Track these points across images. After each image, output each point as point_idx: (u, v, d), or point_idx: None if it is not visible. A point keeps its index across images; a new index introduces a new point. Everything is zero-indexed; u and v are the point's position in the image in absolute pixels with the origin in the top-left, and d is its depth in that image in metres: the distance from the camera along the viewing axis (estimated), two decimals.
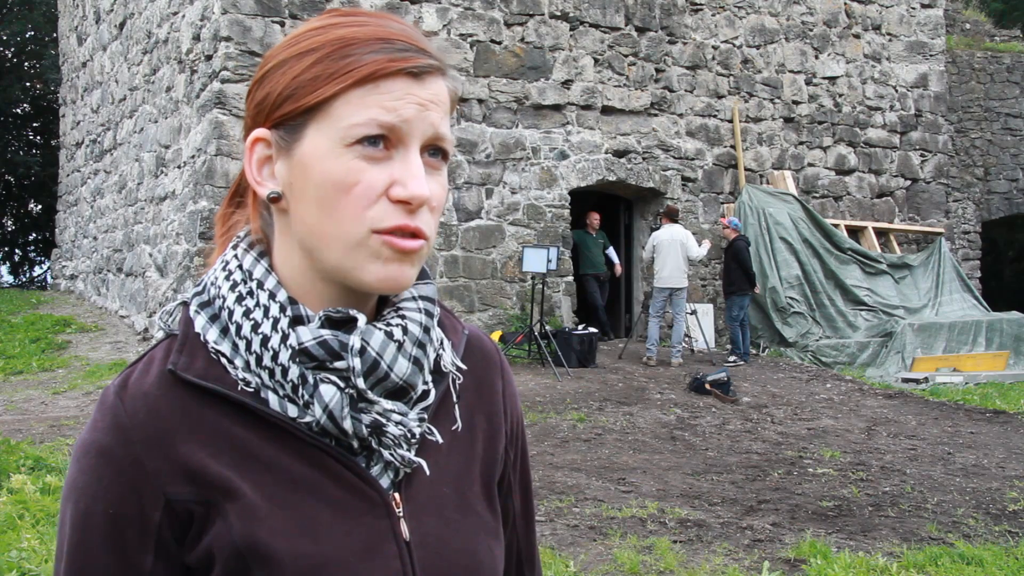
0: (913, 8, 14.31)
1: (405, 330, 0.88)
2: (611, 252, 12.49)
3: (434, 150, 0.87)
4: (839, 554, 4.71)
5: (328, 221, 0.84)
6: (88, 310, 13.99)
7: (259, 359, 0.86)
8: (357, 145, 0.83)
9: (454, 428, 0.95)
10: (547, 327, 10.45)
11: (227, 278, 0.90)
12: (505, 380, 1.04)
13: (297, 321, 0.86)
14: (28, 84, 23.52)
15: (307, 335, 0.85)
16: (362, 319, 0.87)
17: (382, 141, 0.83)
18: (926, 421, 8.90)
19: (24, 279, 26.04)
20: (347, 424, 0.85)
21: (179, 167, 10.95)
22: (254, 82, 0.89)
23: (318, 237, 0.85)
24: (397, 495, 0.89)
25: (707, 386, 9.48)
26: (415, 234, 0.84)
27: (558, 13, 11.69)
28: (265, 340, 0.86)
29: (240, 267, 0.90)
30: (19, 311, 14.03)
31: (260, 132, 0.88)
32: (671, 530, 5.23)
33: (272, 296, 0.87)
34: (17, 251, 26.46)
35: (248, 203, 0.94)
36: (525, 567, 1.08)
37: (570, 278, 11.84)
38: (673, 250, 10.79)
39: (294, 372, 0.85)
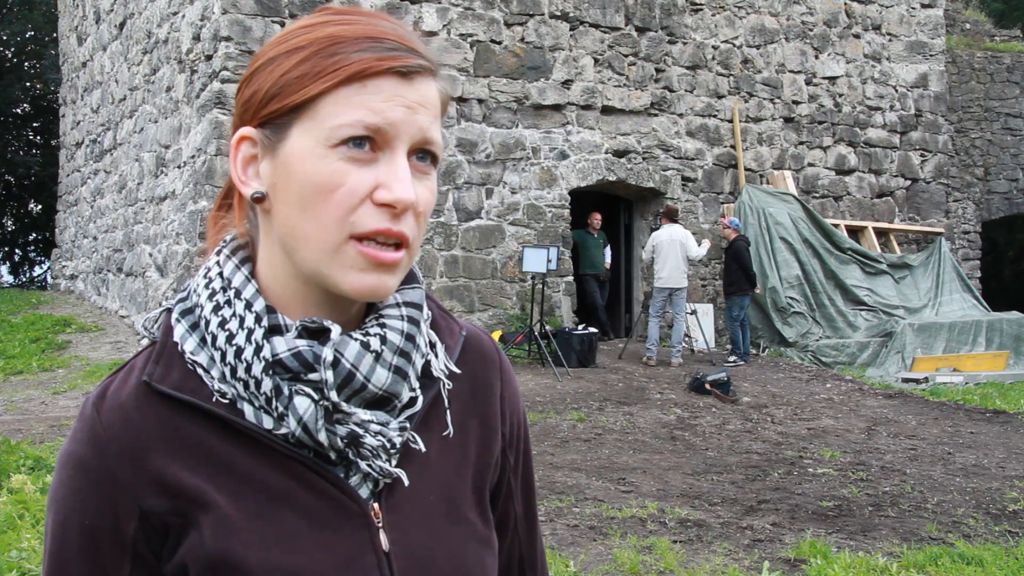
0: (913, 8, 14.31)
1: (384, 339, 0.86)
2: (606, 252, 12.52)
3: (422, 154, 0.84)
4: (839, 554, 4.71)
5: (308, 223, 0.82)
6: (88, 310, 13.99)
7: (234, 371, 0.84)
8: (342, 146, 0.81)
9: (445, 434, 0.93)
10: (547, 327, 10.45)
11: (207, 286, 0.88)
12: (504, 381, 1.01)
13: (274, 331, 0.84)
14: (28, 84, 23.53)
15: (282, 346, 0.84)
16: (336, 330, 0.84)
17: (368, 143, 0.81)
18: (926, 421, 8.89)
19: (24, 279, 26.06)
20: (322, 436, 0.84)
21: (179, 167, 10.95)
22: (243, 79, 0.88)
23: (297, 239, 0.83)
24: (377, 505, 0.87)
25: (707, 386, 9.48)
26: (398, 242, 0.82)
27: (558, 13, 11.69)
28: (239, 352, 0.84)
29: (220, 275, 0.88)
30: (19, 311, 14.03)
31: (246, 131, 0.86)
32: (671, 530, 5.22)
33: (249, 306, 0.85)
34: (17, 251, 26.47)
35: (235, 204, 0.92)
36: (528, 573, 1.05)
37: (570, 278, 11.84)
38: (673, 250, 10.79)
39: (267, 384, 0.83)
